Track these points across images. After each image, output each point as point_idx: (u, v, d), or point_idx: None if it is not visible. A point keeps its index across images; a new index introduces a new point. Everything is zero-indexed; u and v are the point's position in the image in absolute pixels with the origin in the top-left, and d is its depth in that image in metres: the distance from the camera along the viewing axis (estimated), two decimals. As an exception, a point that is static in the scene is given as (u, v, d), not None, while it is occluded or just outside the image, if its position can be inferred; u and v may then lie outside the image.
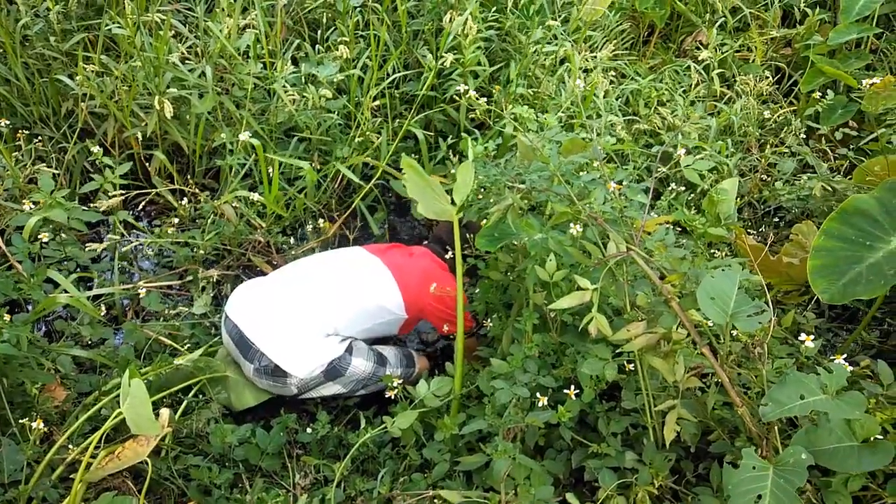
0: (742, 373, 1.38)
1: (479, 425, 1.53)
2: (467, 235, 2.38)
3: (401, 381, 2.22)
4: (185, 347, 2.31)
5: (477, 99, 1.86)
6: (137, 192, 2.90)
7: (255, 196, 2.61)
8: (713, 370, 1.33)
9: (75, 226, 2.35)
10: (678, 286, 1.36)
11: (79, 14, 3.22)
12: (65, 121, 3.12)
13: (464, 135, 3.14)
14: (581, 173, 1.73)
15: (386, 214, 3.23)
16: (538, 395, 1.53)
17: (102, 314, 2.35)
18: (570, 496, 1.41)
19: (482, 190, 1.82)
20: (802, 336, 1.44)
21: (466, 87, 1.84)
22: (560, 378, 1.57)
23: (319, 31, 3.43)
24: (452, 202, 1.69)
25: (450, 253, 2.36)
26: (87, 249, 2.37)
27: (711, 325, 1.37)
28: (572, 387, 1.52)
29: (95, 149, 2.43)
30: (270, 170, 2.72)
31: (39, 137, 2.96)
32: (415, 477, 1.73)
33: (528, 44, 3.15)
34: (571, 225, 1.56)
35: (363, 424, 1.92)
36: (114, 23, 2.91)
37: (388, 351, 2.30)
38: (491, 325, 2.03)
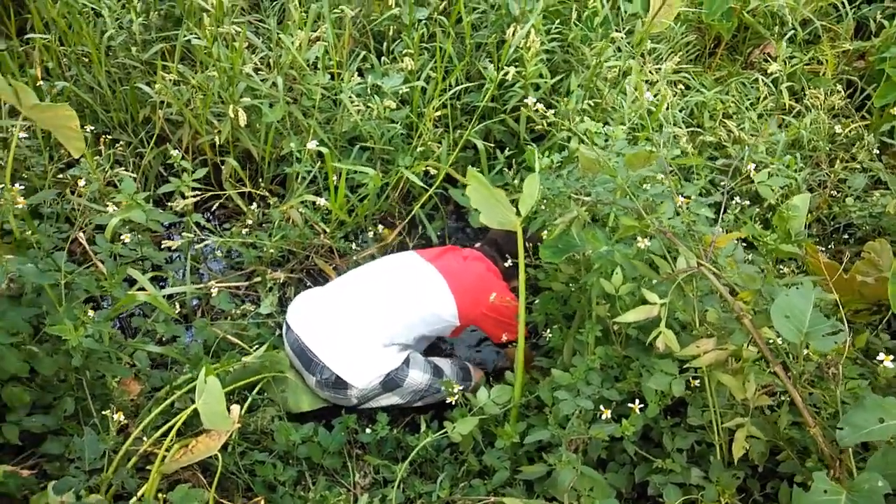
0: (814, 392, 1.35)
1: (542, 435, 1.54)
2: (526, 244, 2.40)
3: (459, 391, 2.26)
4: (252, 346, 2.39)
5: (543, 111, 1.88)
6: (210, 194, 3.02)
7: (320, 201, 2.68)
8: (783, 389, 1.31)
9: (152, 226, 2.47)
10: (750, 303, 1.35)
11: (158, 25, 3.39)
12: (142, 127, 3.27)
13: (527, 147, 3.17)
14: (646, 186, 1.73)
15: (444, 222, 3.27)
16: (601, 407, 1.53)
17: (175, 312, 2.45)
18: (633, 510, 1.41)
19: (544, 201, 1.83)
20: (881, 356, 1.40)
21: (534, 100, 1.86)
22: (623, 391, 1.57)
23: (385, 44, 3.51)
24: (518, 213, 1.71)
25: (509, 261, 2.37)
26: (162, 249, 2.48)
27: (782, 342, 1.35)
28: (636, 401, 1.52)
29: (175, 152, 2.54)
30: (336, 177, 2.79)
31: (119, 143, 3.12)
32: (474, 483, 1.76)
33: (591, 56, 3.15)
34: (638, 238, 1.56)
35: (423, 428, 1.95)
36: (191, 34, 3.04)
37: (445, 363, 2.34)
38: (550, 335, 2.04)
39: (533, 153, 1.73)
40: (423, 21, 3.41)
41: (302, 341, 2.19)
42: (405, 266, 2.36)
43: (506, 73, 2.97)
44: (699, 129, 3.02)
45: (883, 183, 2.98)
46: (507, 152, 3.18)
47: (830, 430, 1.21)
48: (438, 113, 3.18)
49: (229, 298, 2.57)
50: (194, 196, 2.53)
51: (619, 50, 3.22)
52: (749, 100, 3.30)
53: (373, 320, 2.19)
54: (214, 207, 3.10)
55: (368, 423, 2.23)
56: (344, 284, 2.34)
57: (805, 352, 1.29)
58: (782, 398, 1.42)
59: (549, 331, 2.08)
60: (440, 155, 3.17)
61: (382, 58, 3.38)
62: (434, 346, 2.70)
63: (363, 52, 3.44)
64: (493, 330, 2.32)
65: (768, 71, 3.24)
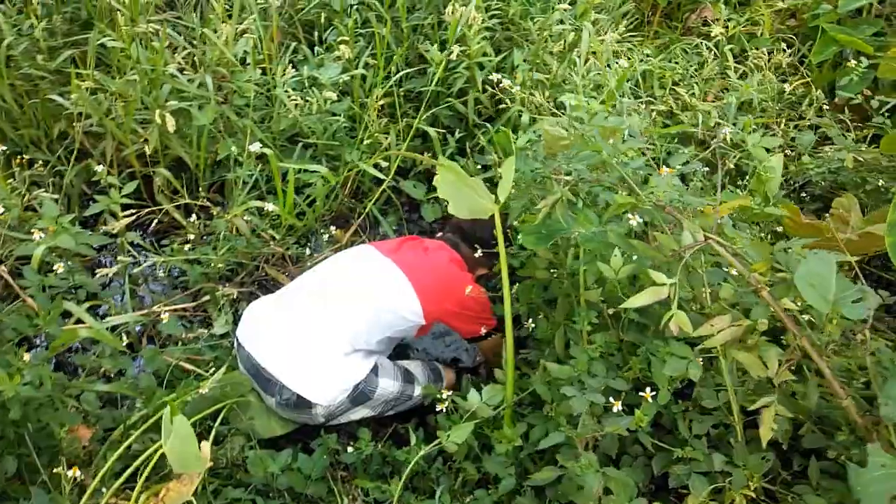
0: (842, 363, 1.28)
1: (557, 438, 1.43)
2: (480, 233, 2.27)
3: (421, 400, 2.11)
4: (209, 371, 2.19)
5: (510, 87, 1.75)
6: (144, 209, 2.77)
7: (269, 206, 2.48)
8: (804, 362, 1.24)
9: (83, 251, 2.22)
10: (766, 274, 1.27)
11: (64, 30, 3.08)
12: (59, 143, 2.97)
13: (476, 130, 3.05)
14: (627, 160, 1.63)
15: (400, 215, 3.12)
16: (611, 399, 1.43)
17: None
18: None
19: (518, 185, 1.71)
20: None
21: (500, 77, 1.73)
22: (629, 380, 1.47)
23: (317, 33, 3.31)
24: (496, 199, 1.58)
25: (479, 251, 2.24)
26: (97, 276, 2.24)
27: (801, 313, 1.28)
28: (647, 388, 1.42)
29: (99, 168, 2.29)
30: (282, 179, 2.60)
31: (36, 162, 2.82)
32: (478, 494, 1.63)
33: (535, 30, 3.05)
34: (629, 215, 1.46)
35: (413, 441, 1.81)
36: (104, 36, 2.77)
37: (415, 367, 2.20)
38: (534, 326, 1.93)
39: (507, 134, 1.60)
40: (355, 6, 3.22)
41: (255, 359, 2.00)
42: (361, 262, 2.17)
43: (450, 53, 2.83)
44: (652, 99, 2.96)
45: (829, 139, 3.00)
46: (457, 135, 3.04)
47: (862, 401, 1.14)
48: (382, 102, 3.02)
49: (178, 322, 2.36)
50: (127, 216, 2.29)
51: (563, 22, 3.13)
52: (693, 66, 3.28)
53: (330, 327, 2.01)
54: (149, 224, 2.85)
55: (349, 440, 2.08)
56: (296, 289, 2.15)
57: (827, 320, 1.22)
58: (806, 372, 1.35)
59: (531, 321, 1.96)
60: (389, 146, 3.01)
61: (315, 48, 3.18)
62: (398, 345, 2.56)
63: (294, 44, 3.24)
64: (464, 326, 2.18)
65: (711, 34, 3.22)
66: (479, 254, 2.21)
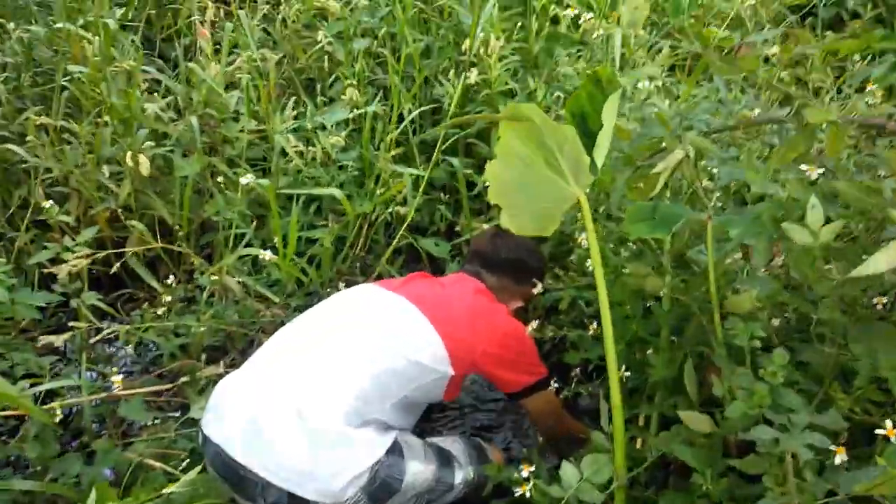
0: None
1: None
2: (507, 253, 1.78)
3: (465, 489, 1.54)
4: (181, 469, 1.60)
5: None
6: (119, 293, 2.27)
7: (267, 254, 1.98)
8: None
9: (23, 313, 1.70)
10: None
11: (32, 93, 2.72)
12: (19, 213, 2.52)
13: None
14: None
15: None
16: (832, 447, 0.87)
17: (66, 440, 1.66)
18: None
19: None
20: None
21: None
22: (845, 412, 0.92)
23: (319, 86, 2.96)
24: (593, 167, 1.09)
25: (538, 286, 1.72)
26: (39, 344, 1.69)
27: None
28: (889, 423, 0.87)
29: (47, 204, 1.81)
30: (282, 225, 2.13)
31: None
32: None
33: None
34: (804, 167, 0.97)
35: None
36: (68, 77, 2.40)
37: (450, 444, 1.60)
38: (629, 373, 1.39)
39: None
40: (361, 52, 2.89)
41: (226, 454, 1.38)
42: (363, 303, 1.61)
43: (467, 79, 2.45)
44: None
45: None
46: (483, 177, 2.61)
47: None
48: (394, 153, 2.61)
49: (144, 406, 1.78)
50: (80, 256, 1.77)
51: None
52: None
53: (326, 389, 1.42)
54: (120, 298, 2.34)
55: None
56: (276, 351, 1.54)
57: None
58: None
59: (623, 369, 1.42)
60: (405, 198, 2.57)
61: (318, 98, 2.82)
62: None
63: (293, 98, 2.88)
64: (506, 374, 1.59)
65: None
66: (537, 288, 1.69)
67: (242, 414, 1.41)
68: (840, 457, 0.85)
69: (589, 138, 1.15)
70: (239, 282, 2.10)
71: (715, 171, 1.22)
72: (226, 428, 1.41)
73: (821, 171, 0.96)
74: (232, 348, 2.19)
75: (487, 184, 1.35)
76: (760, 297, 1.08)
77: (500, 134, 1.14)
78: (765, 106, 1.13)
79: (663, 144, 1.08)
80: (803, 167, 0.97)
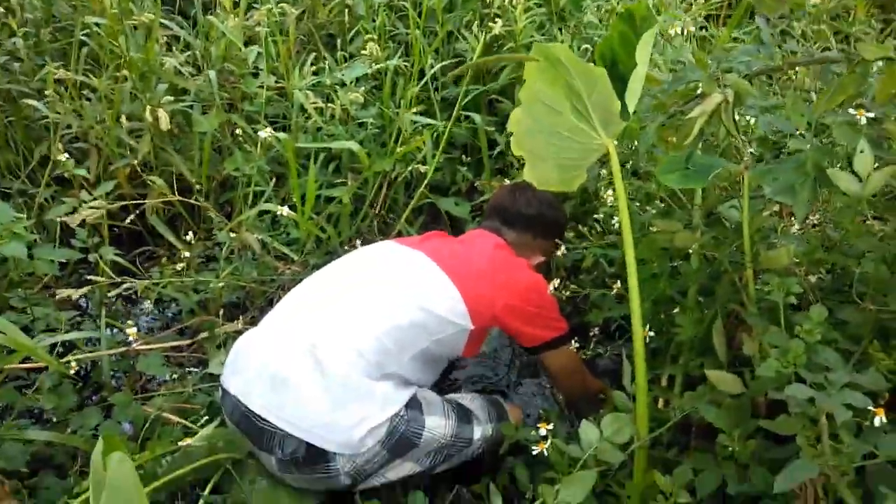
0: None
1: (805, 470, 0.78)
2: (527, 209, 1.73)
3: (483, 446, 1.52)
4: (199, 424, 1.59)
5: None
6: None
7: (284, 210, 1.95)
8: None
9: (42, 268, 1.70)
10: None
11: (52, 48, 2.69)
12: (40, 170, 2.52)
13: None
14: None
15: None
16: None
17: (87, 395, 1.66)
18: None
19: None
20: None
21: None
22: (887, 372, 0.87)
23: (339, 41, 2.90)
24: (625, 112, 1.02)
25: (561, 248, 1.67)
26: (57, 298, 1.69)
27: None
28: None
29: (63, 157, 1.79)
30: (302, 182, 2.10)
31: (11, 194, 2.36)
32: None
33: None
34: (853, 110, 0.90)
35: (495, 503, 1.18)
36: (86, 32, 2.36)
37: (469, 400, 1.58)
38: (653, 333, 1.34)
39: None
40: (382, 5, 2.81)
41: (244, 406, 1.38)
42: (380, 259, 1.61)
43: (491, 31, 2.36)
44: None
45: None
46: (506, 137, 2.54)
47: None
48: (415, 110, 2.54)
49: (162, 361, 1.78)
50: (96, 207, 1.75)
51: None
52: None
53: (344, 341, 1.41)
54: (139, 256, 2.34)
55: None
56: (295, 306, 1.54)
57: None
58: None
59: (646, 329, 1.37)
60: (425, 157, 2.51)
61: (339, 53, 2.75)
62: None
63: (313, 53, 2.82)
64: (527, 328, 1.55)
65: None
66: (560, 248, 1.64)
67: (261, 366, 1.41)
68: (879, 418, 0.80)
69: (620, 84, 1.08)
70: (258, 239, 2.08)
71: (751, 120, 1.15)
72: (244, 380, 1.41)
73: (870, 115, 0.89)
74: (251, 305, 2.18)
75: (511, 134, 1.29)
76: (797, 253, 1.02)
77: (526, 77, 1.08)
78: (807, 51, 1.05)
79: (699, 91, 1.01)
80: (852, 111, 0.89)
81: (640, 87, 1.01)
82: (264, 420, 1.35)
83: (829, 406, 0.75)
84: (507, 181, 2.25)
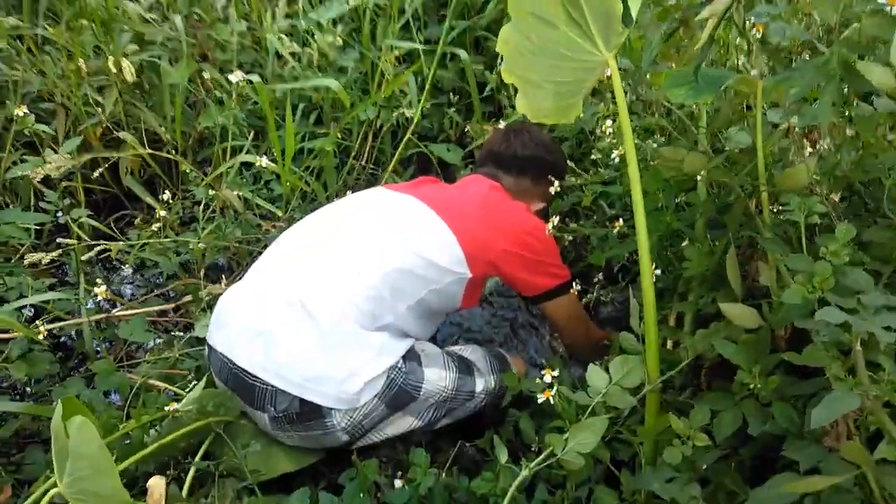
0: None
1: (847, 401, 0.69)
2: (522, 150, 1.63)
3: (486, 399, 1.46)
4: (188, 390, 1.52)
5: None
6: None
7: (263, 161, 1.84)
8: None
9: (10, 233, 1.60)
10: None
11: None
12: (6, 134, 2.39)
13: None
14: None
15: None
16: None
17: (73, 366, 1.58)
18: None
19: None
20: None
21: None
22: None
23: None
24: (627, 18, 0.91)
25: (555, 183, 1.58)
26: (26, 262, 1.59)
27: None
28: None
29: (21, 112, 1.66)
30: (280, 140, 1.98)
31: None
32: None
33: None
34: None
35: (502, 458, 1.12)
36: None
37: (470, 352, 1.50)
38: (660, 271, 1.26)
39: None
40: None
41: (231, 362, 1.30)
42: (370, 203, 1.50)
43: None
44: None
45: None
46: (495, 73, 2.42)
47: None
48: (398, 52, 2.41)
49: (145, 326, 1.70)
50: (69, 157, 1.63)
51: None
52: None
53: (335, 290, 1.31)
54: (117, 221, 2.24)
55: (394, 469, 1.39)
56: (280, 254, 1.44)
57: None
58: None
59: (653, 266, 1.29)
60: (410, 102, 2.39)
61: (313, -3, 2.61)
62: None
63: (287, -2, 2.67)
64: (526, 275, 1.46)
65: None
66: (555, 186, 1.55)
67: (246, 319, 1.34)
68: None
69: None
70: (239, 196, 1.98)
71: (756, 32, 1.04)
72: (230, 335, 1.34)
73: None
74: (237, 267, 2.09)
75: (500, 63, 1.19)
76: (816, 171, 0.93)
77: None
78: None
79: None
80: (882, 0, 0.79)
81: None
82: (254, 377, 1.28)
83: (866, 329, 0.67)
84: (502, 124, 2.15)
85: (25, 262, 1.56)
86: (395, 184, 1.69)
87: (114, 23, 2.05)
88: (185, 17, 2.18)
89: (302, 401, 1.26)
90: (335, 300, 1.30)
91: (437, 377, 1.37)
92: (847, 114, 1.07)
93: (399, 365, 1.32)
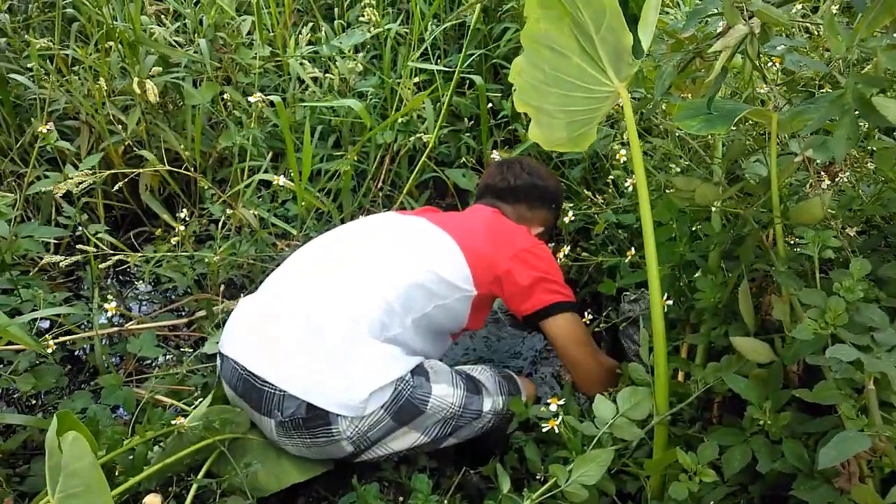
0: None
1: (858, 443, 0.68)
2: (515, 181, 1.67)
3: (493, 420, 1.44)
4: (193, 407, 1.52)
5: None
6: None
7: (281, 180, 1.86)
8: None
9: (27, 247, 1.62)
10: None
11: (43, 24, 2.61)
12: (31, 149, 2.44)
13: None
14: None
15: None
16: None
17: (83, 380, 1.58)
18: None
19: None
20: None
21: None
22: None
23: (337, 10, 2.79)
24: (638, 49, 0.91)
25: (568, 214, 1.57)
26: (43, 262, 1.60)
27: None
28: None
29: (45, 129, 1.70)
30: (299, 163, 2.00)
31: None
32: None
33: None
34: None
35: (504, 486, 1.09)
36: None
37: (479, 372, 1.48)
38: (671, 302, 1.25)
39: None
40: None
41: (241, 367, 1.33)
42: (383, 224, 1.57)
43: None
44: None
45: None
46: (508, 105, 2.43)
47: None
48: (417, 79, 2.44)
49: (155, 341, 1.70)
50: (87, 173, 1.66)
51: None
52: None
53: (350, 298, 1.36)
54: (136, 237, 2.26)
55: (396, 494, 1.37)
56: (292, 268, 1.49)
57: None
58: None
59: (666, 297, 1.27)
60: (427, 129, 2.40)
61: (337, 22, 2.65)
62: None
63: (310, 23, 2.71)
64: (525, 289, 1.45)
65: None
66: (568, 215, 1.54)
67: (257, 324, 1.38)
68: (936, 385, 0.70)
69: (632, 26, 0.97)
70: (255, 214, 2.00)
71: (775, 67, 1.04)
72: (240, 341, 1.37)
73: (916, 42, 0.78)
74: (250, 285, 2.10)
75: (514, 91, 1.19)
76: (832, 205, 0.92)
77: (527, 15, 0.96)
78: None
79: (720, 26, 0.90)
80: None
81: (655, 17, 0.89)
82: (263, 381, 1.30)
83: (879, 367, 0.66)
84: (517, 151, 2.16)
85: (42, 263, 1.56)
86: (404, 210, 1.72)
87: (140, 45, 2.09)
88: (210, 41, 2.22)
89: (308, 406, 1.26)
90: (345, 308, 1.34)
91: (444, 393, 1.36)
92: (868, 147, 1.05)
93: (407, 378, 1.32)
